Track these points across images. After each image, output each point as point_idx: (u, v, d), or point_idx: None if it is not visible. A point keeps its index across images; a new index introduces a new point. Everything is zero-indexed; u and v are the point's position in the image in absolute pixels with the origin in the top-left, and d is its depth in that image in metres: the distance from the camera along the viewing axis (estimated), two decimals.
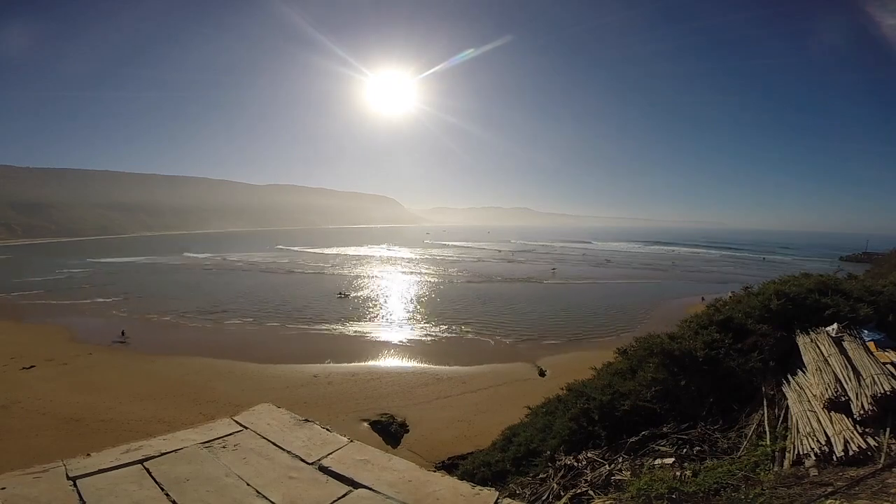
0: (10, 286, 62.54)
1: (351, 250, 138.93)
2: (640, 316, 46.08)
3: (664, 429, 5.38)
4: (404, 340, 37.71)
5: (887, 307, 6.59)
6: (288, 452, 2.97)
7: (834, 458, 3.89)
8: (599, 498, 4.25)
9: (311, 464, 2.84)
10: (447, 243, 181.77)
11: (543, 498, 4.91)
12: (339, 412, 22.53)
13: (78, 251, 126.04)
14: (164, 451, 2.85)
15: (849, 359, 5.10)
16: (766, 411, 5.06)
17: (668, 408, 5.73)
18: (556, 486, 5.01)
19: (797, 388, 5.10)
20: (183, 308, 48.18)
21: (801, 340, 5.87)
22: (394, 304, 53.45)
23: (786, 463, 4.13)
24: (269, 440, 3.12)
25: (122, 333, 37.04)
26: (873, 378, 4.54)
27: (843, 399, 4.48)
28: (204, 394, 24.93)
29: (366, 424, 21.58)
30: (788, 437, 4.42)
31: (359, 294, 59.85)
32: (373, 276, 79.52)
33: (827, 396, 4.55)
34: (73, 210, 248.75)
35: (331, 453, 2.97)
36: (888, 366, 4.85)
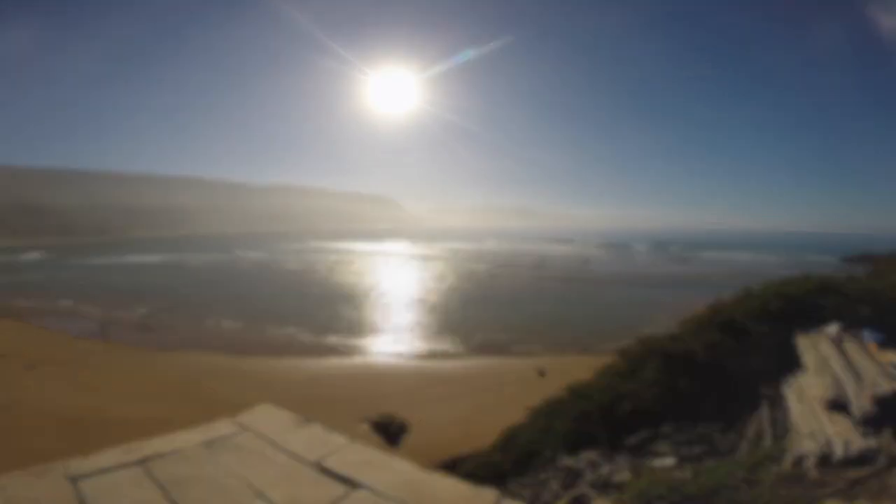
0: (17, 286, 62.47)
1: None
2: None
3: (664, 429, 5.38)
4: (404, 341, 37.66)
5: (887, 308, 6.58)
6: (288, 453, 2.96)
7: (834, 458, 3.89)
8: (600, 499, 4.24)
9: (312, 464, 2.84)
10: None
11: (544, 498, 4.91)
12: (339, 412, 22.43)
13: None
14: (164, 452, 2.85)
15: (849, 360, 5.10)
16: (766, 412, 5.06)
17: (668, 408, 5.73)
18: (556, 486, 5.01)
19: (797, 388, 5.09)
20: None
21: (802, 341, 5.87)
22: (406, 306, 53.40)
23: (786, 463, 4.12)
24: (269, 440, 3.12)
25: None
26: (873, 379, 4.54)
27: (844, 400, 4.47)
28: (204, 394, 24.88)
29: (366, 425, 21.53)
30: (788, 438, 4.41)
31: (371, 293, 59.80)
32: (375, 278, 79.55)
33: (827, 397, 4.55)
34: (73, 211, 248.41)
35: (331, 454, 2.96)
36: (888, 366, 4.85)
